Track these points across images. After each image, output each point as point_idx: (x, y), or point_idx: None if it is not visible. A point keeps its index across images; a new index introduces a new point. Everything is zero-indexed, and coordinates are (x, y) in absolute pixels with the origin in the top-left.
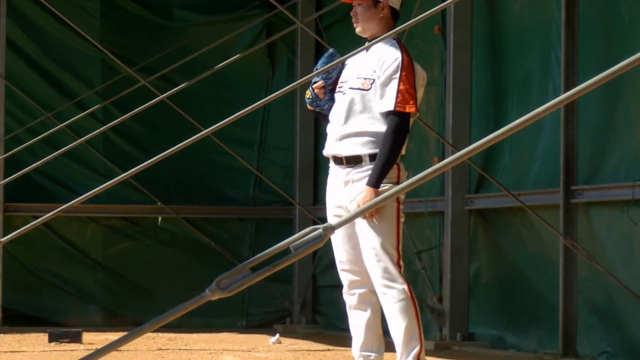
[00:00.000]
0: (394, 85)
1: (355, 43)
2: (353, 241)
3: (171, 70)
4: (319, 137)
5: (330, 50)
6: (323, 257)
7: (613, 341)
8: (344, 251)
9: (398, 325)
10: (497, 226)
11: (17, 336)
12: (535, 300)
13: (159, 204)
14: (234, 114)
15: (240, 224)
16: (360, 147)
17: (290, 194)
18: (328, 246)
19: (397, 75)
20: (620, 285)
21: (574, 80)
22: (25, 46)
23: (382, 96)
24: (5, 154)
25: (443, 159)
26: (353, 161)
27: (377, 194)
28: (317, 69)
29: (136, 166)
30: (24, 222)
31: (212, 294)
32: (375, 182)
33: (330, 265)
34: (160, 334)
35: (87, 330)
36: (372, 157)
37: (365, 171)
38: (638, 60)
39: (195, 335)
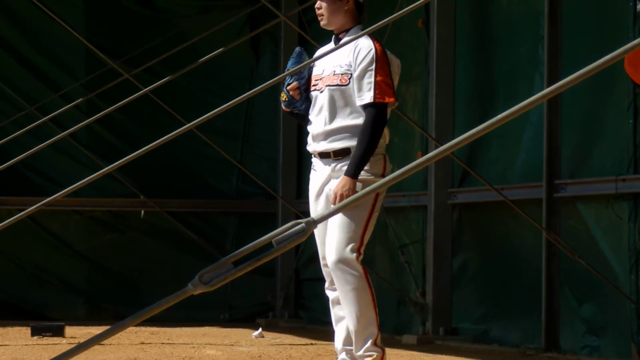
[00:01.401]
0: (370, 77)
1: None
2: None
3: (156, 62)
4: (303, 131)
5: (297, 49)
6: (306, 251)
7: (595, 335)
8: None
9: (353, 312)
10: (481, 220)
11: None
12: (519, 294)
13: (142, 197)
14: (218, 106)
15: (223, 217)
16: (348, 140)
17: (274, 187)
18: (311, 240)
19: (373, 67)
20: (603, 280)
21: (558, 74)
22: (9, 37)
23: (359, 89)
24: None
25: (427, 153)
26: (341, 154)
27: (354, 184)
28: (288, 70)
29: (121, 158)
30: (9, 214)
31: (194, 288)
32: (353, 173)
33: (313, 258)
34: (142, 328)
35: (70, 324)
36: None
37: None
38: (622, 55)
39: (177, 330)
